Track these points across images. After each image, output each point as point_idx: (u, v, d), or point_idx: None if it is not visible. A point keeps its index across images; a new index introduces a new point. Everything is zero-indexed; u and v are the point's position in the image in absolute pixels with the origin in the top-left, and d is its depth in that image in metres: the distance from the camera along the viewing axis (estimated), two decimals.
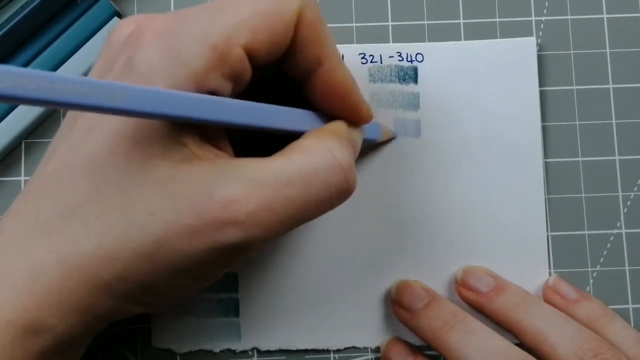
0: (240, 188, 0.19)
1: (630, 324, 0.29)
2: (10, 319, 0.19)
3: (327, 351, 0.29)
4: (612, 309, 0.28)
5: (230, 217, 0.19)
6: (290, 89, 0.24)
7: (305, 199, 0.20)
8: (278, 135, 0.22)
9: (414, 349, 0.29)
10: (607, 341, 0.26)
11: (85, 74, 0.30)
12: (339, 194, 0.21)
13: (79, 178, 0.20)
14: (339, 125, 0.23)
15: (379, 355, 0.29)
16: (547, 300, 0.28)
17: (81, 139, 0.21)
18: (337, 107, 0.23)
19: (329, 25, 0.31)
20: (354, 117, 0.24)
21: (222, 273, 0.23)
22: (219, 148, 0.21)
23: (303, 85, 0.23)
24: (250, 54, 0.20)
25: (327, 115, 0.24)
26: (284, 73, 0.23)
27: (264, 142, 0.22)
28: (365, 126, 0.25)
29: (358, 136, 0.24)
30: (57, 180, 0.21)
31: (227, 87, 0.21)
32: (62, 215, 0.20)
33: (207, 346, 0.29)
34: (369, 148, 0.29)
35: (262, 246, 0.20)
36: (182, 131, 0.20)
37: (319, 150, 0.21)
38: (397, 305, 0.28)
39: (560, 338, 0.26)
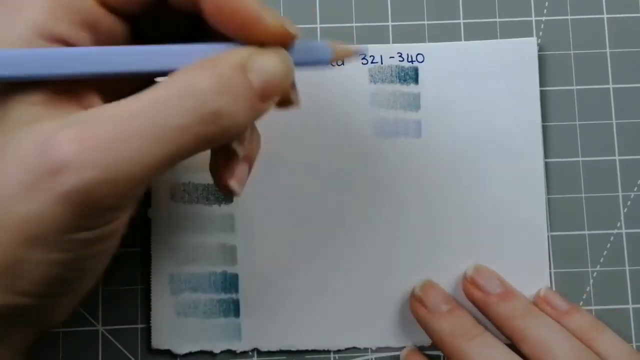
0: (69, 131, 0.18)
1: (630, 323, 0.29)
2: None
3: (327, 351, 0.29)
4: (612, 309, 0.29)
5: (58, 162, 0.17)
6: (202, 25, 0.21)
7: (158, 128, 0.18)
8: None
9: None
10: (598, 355, 0.26)
11: None
12: (207, 118, 0.18)
13: None
14: (231, 53, 0.20)
15: (379, 355, 0.29)
16: None
17: None
18: (235, 29, 0.20)
19: (329, 25, 0.31)
20: (260, 36, 0.20)
21: (103, 250, 0.20)
22: (86, 105, 0.20)
23: (199, 16, 0.20)
24: None
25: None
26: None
27: None
28: (301, 48, 0.21)
29: (272, 59, 0.20)
30: None
31: (84, 36, 0.19)
32: None
33: (207, 346, 0.29)
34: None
35: (130, 193, 0.19)
36: (19, 93, 0.19)
37: (175, 80, 0.19)
38: (419, 302, 0.28)
39: (561, 350, 0.26)
